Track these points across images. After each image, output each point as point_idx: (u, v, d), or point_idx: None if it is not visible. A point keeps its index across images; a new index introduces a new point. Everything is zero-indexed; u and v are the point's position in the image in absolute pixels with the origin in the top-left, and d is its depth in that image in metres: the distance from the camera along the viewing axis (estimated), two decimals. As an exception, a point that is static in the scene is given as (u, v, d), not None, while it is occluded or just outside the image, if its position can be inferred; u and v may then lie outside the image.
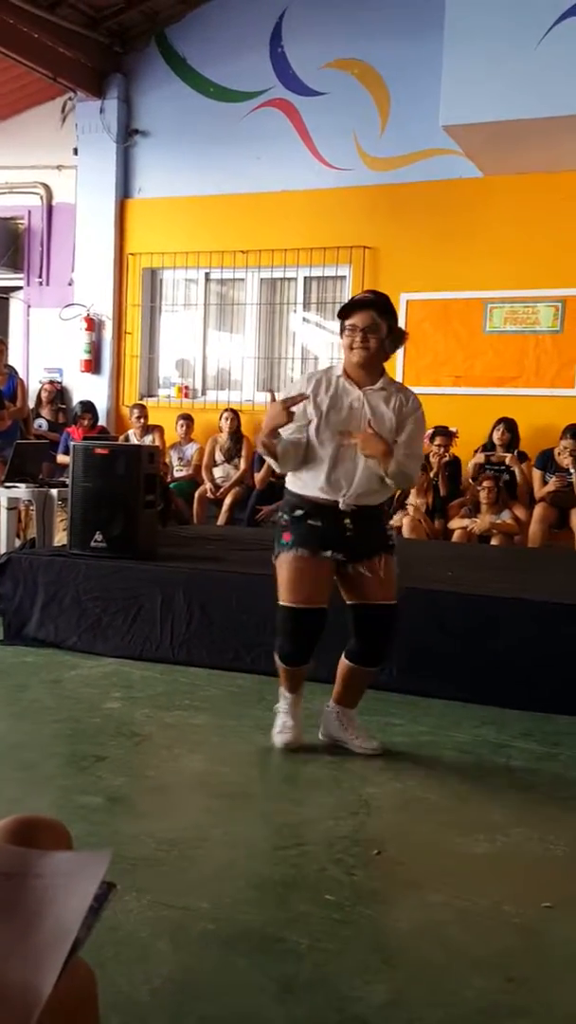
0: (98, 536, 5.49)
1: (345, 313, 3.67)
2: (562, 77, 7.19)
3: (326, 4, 9.19)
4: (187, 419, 9.70)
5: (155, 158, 10.07)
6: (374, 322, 3.59)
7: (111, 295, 10.27)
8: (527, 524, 7.99)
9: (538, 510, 7.98)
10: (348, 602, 3.76)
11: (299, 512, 3.70)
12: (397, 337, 3.72)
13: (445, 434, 8.28)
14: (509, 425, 8.34)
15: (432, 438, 8.23)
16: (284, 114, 9.47)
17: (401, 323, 9.87)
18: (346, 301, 3.76)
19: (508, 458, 8.28)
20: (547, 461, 8.12)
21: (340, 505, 3.63)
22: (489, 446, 8.42)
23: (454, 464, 8.37)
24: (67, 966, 1.12)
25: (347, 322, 3.65)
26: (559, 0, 7.22)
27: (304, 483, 3.70)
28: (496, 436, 8.34)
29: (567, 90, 7.18)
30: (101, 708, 4.34)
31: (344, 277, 9.50)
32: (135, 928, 2.42)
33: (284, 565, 3.72)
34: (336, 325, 10.18)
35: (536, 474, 8.19)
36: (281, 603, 3.74)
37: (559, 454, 8.03)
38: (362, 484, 3.62)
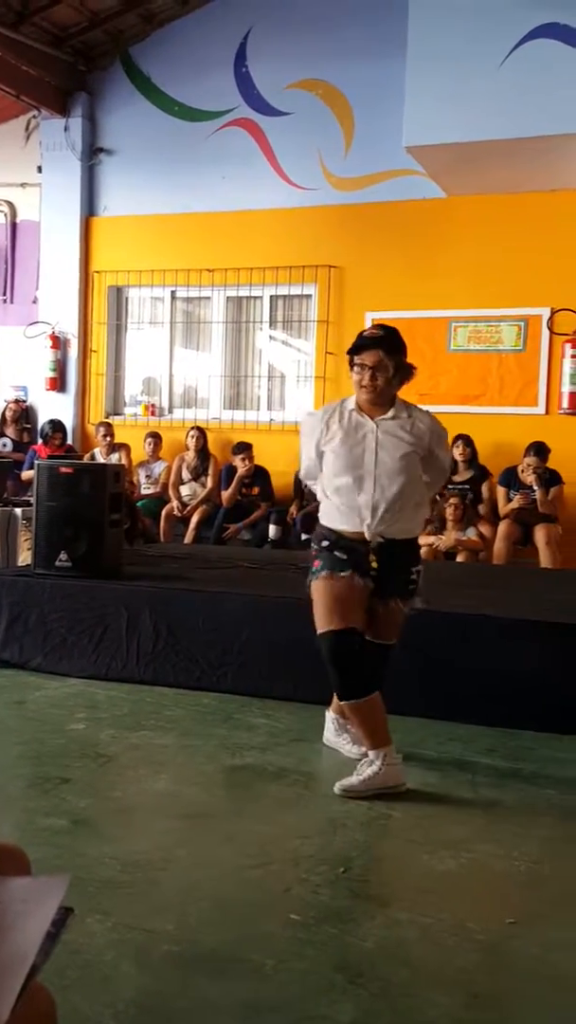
0: (63, 555, 5.47)
1: (354, 350, 3.73)
2: (523, 99, 7.28)
3: (290, 25, 9.27)
4: (155, 437, 9.70)
5: (120, 176, 10.09)
6: (381, 361, 3.67)
7: (76, 313, 10.26)
8: (492, 541, 8.05)
9: (502, 527, 8.04)
10: None
11: (326, 543, 3.73)
12: (405, 373, 3.77)
13: None
14: (467, 441, 8.40)
15: None
16: (249, 134, 9.53)
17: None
18: (357, 337, 3.78)
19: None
20: (511, 479, 8.19)
21: (367, 535, 3.65)
22: (452, 467, 8.48)
23: None
24: (24, 992, 1.11)
25: (356, 359, 3.71)
26: (520, 23, 7.33)
27: (328, 515, 3.77)
28: (457, 453, 8.41)
29: (528, 112, 7.28)
30: (66, 729, 4.32)
31: (310, 296, 9.55)
32: (99, 951, 2.41)
33: (316, 591, 3.69)
34: (303, 343, 10.26)
35: (500, 491, 8.26)
36: (319, 634, 3.67)
37: (522, 472, 8.09)
38: (383, 513, 3.65)
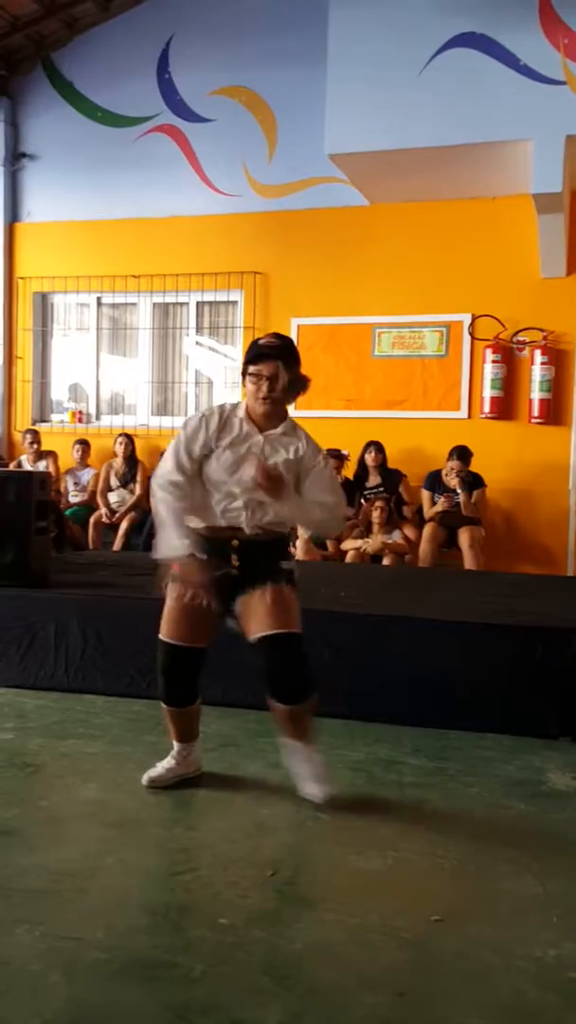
0: (-12, 564, 5.41)
1: (251, 359, 3.58)
2: (442, 108, 7.40)
3: (212, 31, 9.29)
4: (83, 444, 9.65)
5: (44, 182, 10.02)
6: (277, 372, 3.53)
7: (0, 320, 10.15)
8: (417, 543, 8.16)
9: (427, 530, 8.15)
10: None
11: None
12: (300, 385, 3.62)
13: (337, 457, 8.42)
14: (378, 447, 8.52)
15: None
16: (172, 140, 9.53)
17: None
18: (251, 346, 3.62)
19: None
20: (435, 482, 8.31)
21: (235, 537, 3.55)
22: (362, 468, 8.58)
23: (346, 485, 8.51)
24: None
25: (252, 368, 3.56)
26: (439, 32, 7.44)
27: (193, 518, 3.62)
28: (369, 459, 8.51)
29: (447, 121, 7.40)
30: (-7, 740, 4.28)
31: (236, 302, 9.58)
32: (26, 962, 2.40)
33: (168, 596, 3.64)
34: (229, 349, 10.26)
35: (425, 495, 8.38)
36: (159, 637, 3.66)
37: (446, 475, 8.22)
38: (251, 528, 3.54)
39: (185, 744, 3.82)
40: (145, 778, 3.74)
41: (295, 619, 3.55)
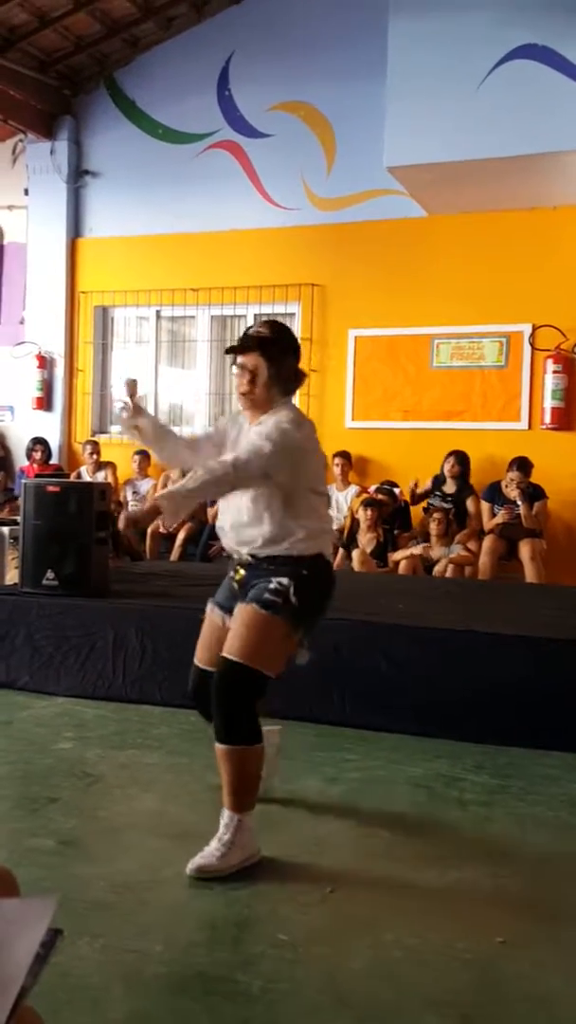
0: (50, 574, 5.46)
1: (233, 349, 3.31)
2: (502, 119, 7.37)
3: (271, 48, 9.34)
4: (142, 455, 9.71)
5: (106, 198, 10.15)
6: (259, 366, 3.22)
7: (63, 333, 10.29)
8: (477, 555, 8.08)
9: (487, 542, 8.07)
10: None
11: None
12: (290, 380, 3.29)
13: (389, 494, 8.48)
14: (460, 458, 8.46)
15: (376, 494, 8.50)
16: (232, 155, 9.59)
17: (349, 359, 9.83)
18: (238, 338, 3.37)
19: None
20: (495, 494, 8.23)
21: (233, 553, 3.35)
22: (440, 478, 8.53)
23: (404, 510, 8.55)
24: (14, 1015, 1.12)
25: (237, 359, 3.28)
26: (499, 44, 7.41)
27: None
28: (447, 468, 8.45)
29: (507, 132, 7.36)
30: (53, 749, 4.31)
31: (294, 314, 9.60)
32: (87, 973, 2.40)
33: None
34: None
35: (485, 506, 8.29)
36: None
37: (506, 486, 8.13)
38: (231, 528, 3.31)
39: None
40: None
41: (250, 646, 3.10)
